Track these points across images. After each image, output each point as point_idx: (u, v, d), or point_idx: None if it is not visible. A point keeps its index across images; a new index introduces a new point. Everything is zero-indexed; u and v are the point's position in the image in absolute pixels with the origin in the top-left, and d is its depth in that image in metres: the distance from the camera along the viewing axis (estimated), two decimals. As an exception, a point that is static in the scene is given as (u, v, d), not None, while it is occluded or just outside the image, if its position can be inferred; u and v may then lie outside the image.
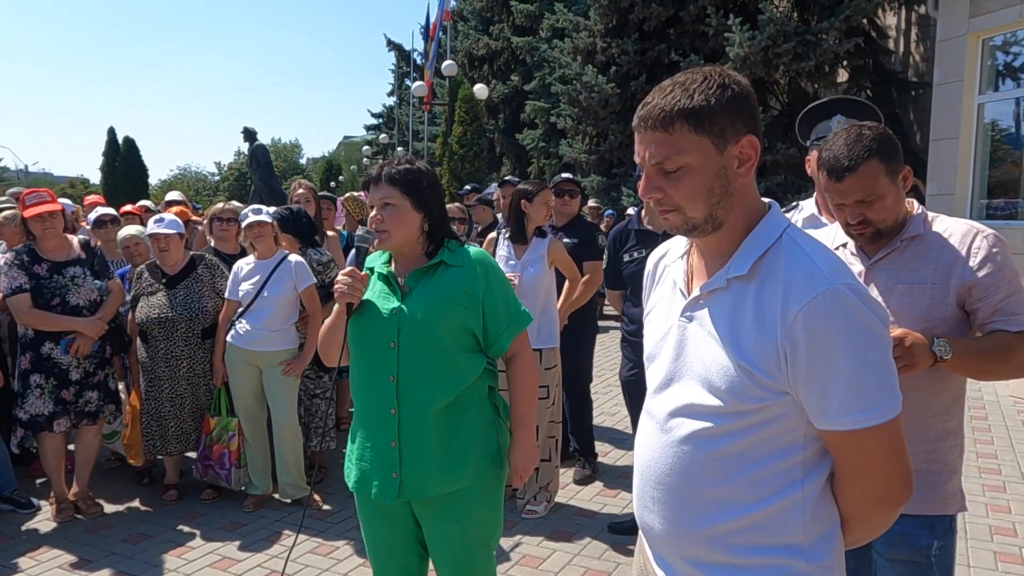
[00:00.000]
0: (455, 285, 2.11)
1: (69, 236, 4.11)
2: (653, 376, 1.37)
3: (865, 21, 11.25)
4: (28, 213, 3.88)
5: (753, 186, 1.29)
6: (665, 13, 10.86)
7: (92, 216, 5.22)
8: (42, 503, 4.28)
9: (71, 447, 4.36)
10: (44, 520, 4.10)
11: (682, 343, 1.31)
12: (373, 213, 2.16)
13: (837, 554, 1.27)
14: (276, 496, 4.38)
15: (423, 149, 23.37)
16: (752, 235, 1.26)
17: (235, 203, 5.16)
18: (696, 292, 1.30)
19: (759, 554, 1.23)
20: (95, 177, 33.34)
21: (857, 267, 1.92)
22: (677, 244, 1.44)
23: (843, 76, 11.59)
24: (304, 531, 3.96)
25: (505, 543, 3.78)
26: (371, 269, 2.24)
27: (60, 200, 6.54)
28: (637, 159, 1.27)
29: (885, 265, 1.89)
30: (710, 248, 1.31)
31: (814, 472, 1.23)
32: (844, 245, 1.98)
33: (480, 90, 17.93)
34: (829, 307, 1.14)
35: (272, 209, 4.49)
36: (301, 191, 4.85)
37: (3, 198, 5.42)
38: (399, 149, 28.57)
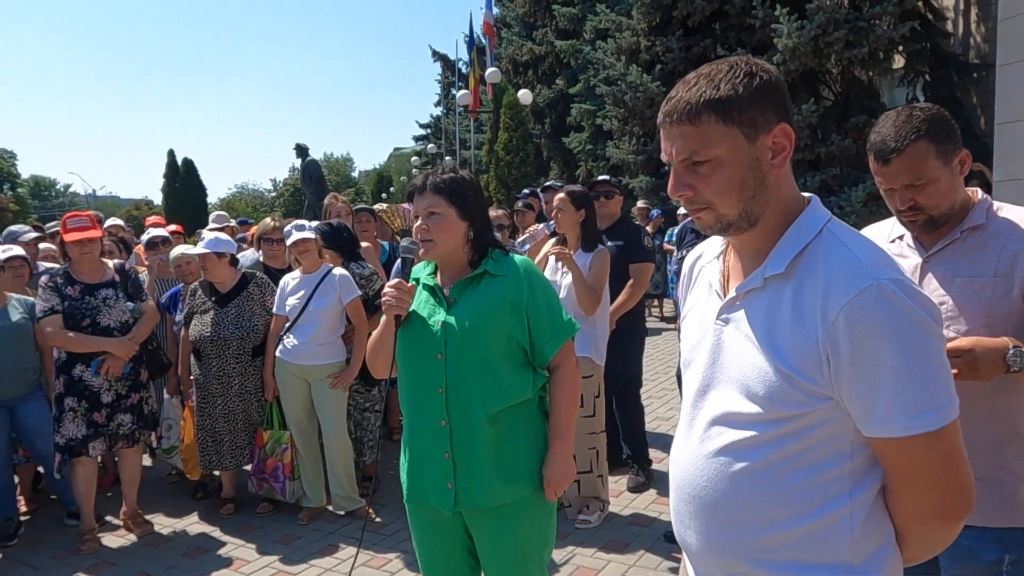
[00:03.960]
0: (500, 295, 2.09)
1: (104, 260, 4.19)
2: (689, 383, 1.30)
3: (921, 4, 10.82)
4: (68, 238, 3.97)
5: (790, 179, 1.21)
6: (709, 8, 10.64)
7: (144, 237, 5.37)
8: (108, 518, 4.40)
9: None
10: (108, 535, 4.21)
11: (718, 347, 1.23)
12: (419, 223, 2.15)
13: (893, 574, 1.17)
14: (330, 508, 4.41)
15: (470, 157, 23.49)
16: (790, 231, 1.18)
17: (277, 221, 5.23)
18: (732, 293, 1.23)
19: (805, 573, 1.15)
20: (159, 199, 34.57)
21: (913, 260, 1.81)
22: (713, 244, 1.37)
23: (899, 62, 11.17)
24: (356, 543, 3.97)
25: (557, 555, 3.72)
26: (416, 280, 2.23)
27: (114, 222, 6.77)
28: (664, 157, 1.20)
29: (943, 257, 1.77)
30: (746, 246, 1.24)
31: (863, 483, 1.14)
32: (900, 237, 1.87)
33: (524, 95, 17.91)
34: (873, 304, 1.05)
35: (315, 224, 4.54)
36: (339, 205, 4.89)
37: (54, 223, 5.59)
38: (447, 158, 28.81)
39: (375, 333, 2.24)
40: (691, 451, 1.26)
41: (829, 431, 1.13)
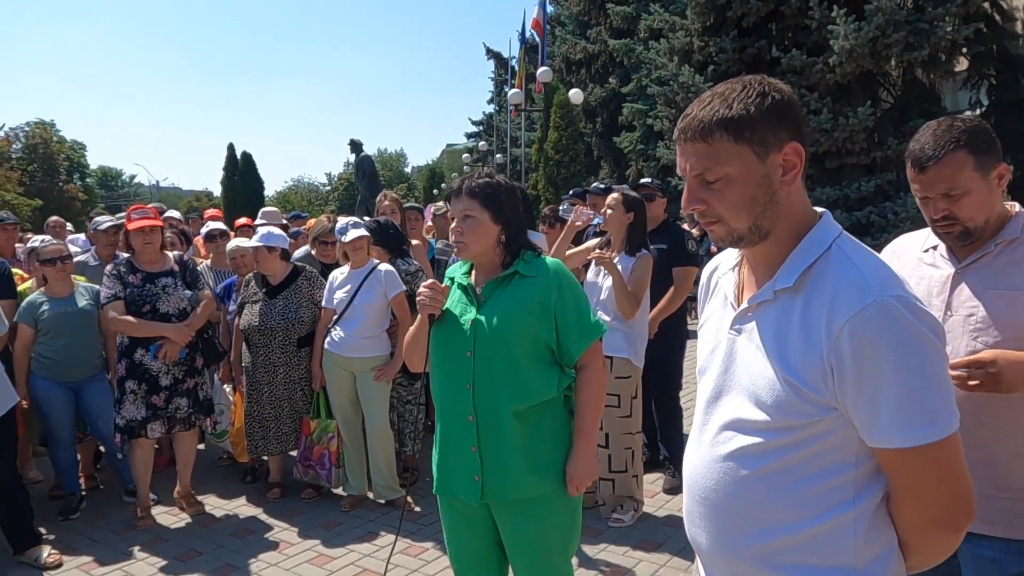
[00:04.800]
0: (529, 295, 2.17)
1: (166, 252, 4.40)
2: (703, 389, 1.36)
3: (987, 4, 10.46)
4: (131, 226, 4.19)
5: (801, 194, 1.26)
6: (765, 8, 10.46)
7: (204, 230, 5.59)
8: (163, 497, 4.62)
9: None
10: (162, 513, 4.43)
11: (731, 356, 1.29)
12: (453, 225, 2.26)
13: None
14: (371, 496, 4.55)
15: (520, 155, 23.57)
16: (800, 246, 1.23)
17: (331, 222, 5.37)
18: (744, 304, 1.28)
19: (809, 574, 1.20)
20: (218, 191, 35.59)
21: (946, 270, 1.82)
22: (729, 256, 1.42)
23: (963, 64, 10.83)
24: (395, 531, 4.09)
25: (590, 551, 3.78)
26: (451, 279, 2.33)
27: (171, 214, 7.04)
28: (679, 172, 1.26)
29: (976, 270, 1.78)
30: (759, 259, 1.29)
31: (867, 491, 1.19)
32: (934, 247, 1.88)
33: (575, 95, 17.90)
34: (876, 320, 1.10)
35: (364, 221, 4.68)
36: (387, 203, 5.03)
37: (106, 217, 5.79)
38: (497, 156, 28.92)
39: (411, 330, 2.36)
40: (702, 454, 1.32)
41: (834, 440, 1.17)
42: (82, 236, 6.37)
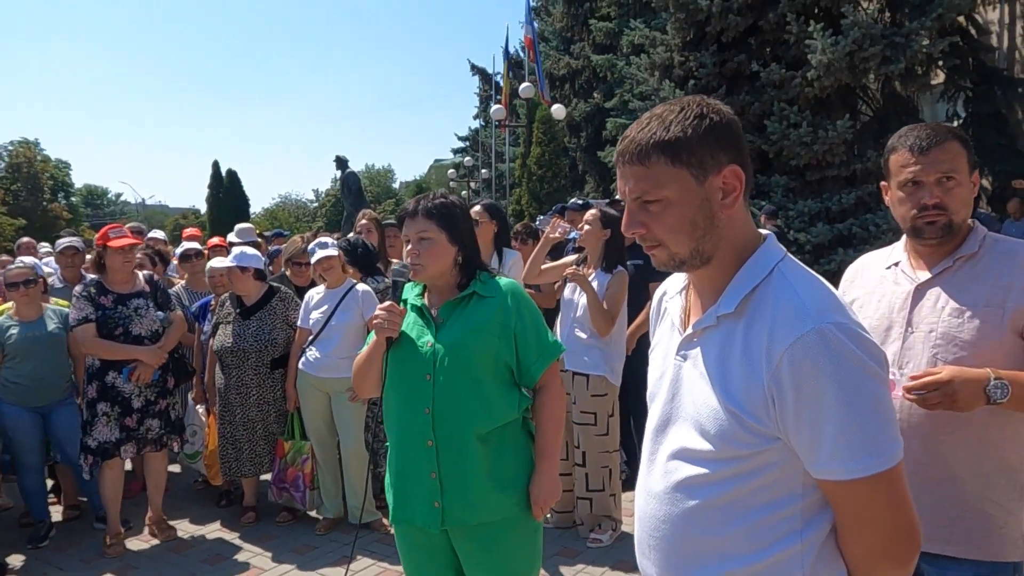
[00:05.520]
0: (488, 316, 2.14)
1: (136, 271, 4.34)
2: (651, 417, 1.33)
3: (963, 18, 10.60)
4: (115, 244, 4.11)
5: (744, 217, 1.23)
6: (744, 23, 10.55)
7: (178, 250, 5.53)
8: (135, 523, 4.53)
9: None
10: (134, 539, 4.34)
11: (677, 383, 1.26)
12: (409, 247, 2.21)
13: None
14: (348, 519, 4.48)
15: (505, 170, 23.62)
16: (742, 270, 1.20)
17: (305, 242, 5.31)
18: (690, 330, 1.26)
19: None
20: (205, 208, 35.43)
21: (906, 286, 1.81)
22: (677, 279, 1.40)
23: (940, 77, 10.95)
24: (371, 555, 4.03)
25: (567, 571, 3.73)
26: (405, 301, 2.28)
27: (155, 235, 6.98)
28: (619, 194, 1.24)
29: (936, 284, 1.77)
30: (703, 283, 1.27)
31: (815, 522, 1.15)
32: (896, 264, 1.88)
33: (557, 110, 17.97)
34: (815, 348, 1.07)
35: (332, 240, 4.65)
36: (364, 221, 4.99)
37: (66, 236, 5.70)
38: (483, 171, 28.98)
39: (363, 352, 2.28)
40: (651, 485, 1.28)
41: (779, 472, 1.14)
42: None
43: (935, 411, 1.65)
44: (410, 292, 2.31)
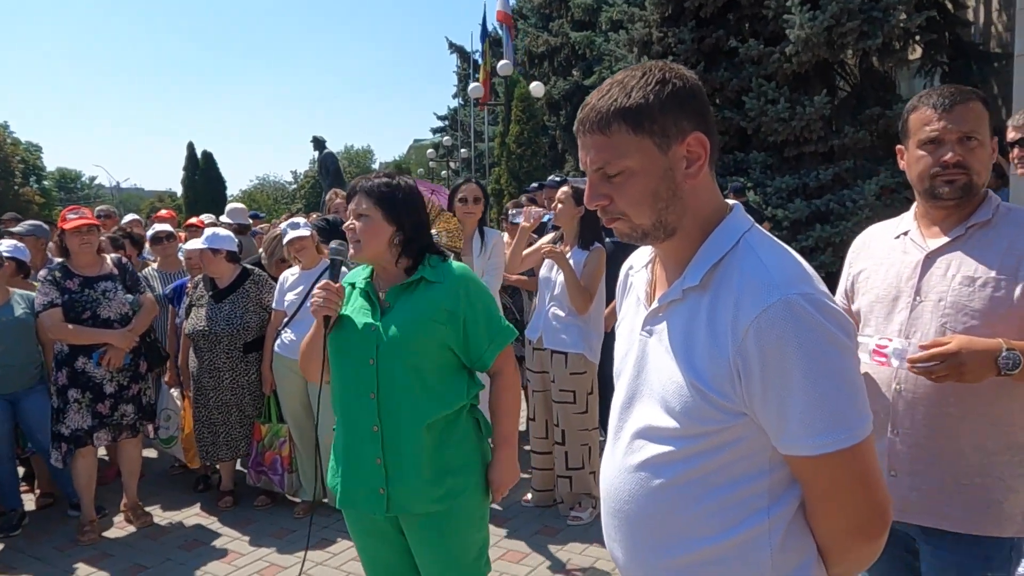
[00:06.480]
0: (434, 302, 2.09)
1: (103, 254, 4.24)
2: (617, 394, 1.29)
3: (940, -7, 10.61)
4: (67, 225, 4.01)
5: (709, 187, 1.19)
6: (722, -2, 10.53)
7: (149, 232, 5.43)
8: (110, 509, 4.47)
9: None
10: (111, 527, 4.28)
11: (642, 359, 1.22)
12: (347, 224, 2.19)
13: None
14: (325, 502, 4.45)
15: (485, 149, 23.47)
16: (708, 242, 1.16)
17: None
18: (655, 304, 1.22)
19: None
20: (181, 191, 34.93)
21: (915, 255, 1.77)
22: (643, 253, 1.36)
23: (917, 52, 10.97)
24: (349, 538, 3.99)
25: (548, 549, 3.73)
26: (352, 284, 2.23)
27: (131, 218, 6.85)
28: (581, 165, 1.19)
29: (946, 252, 1.73)
30: (669, 256, 1.23)
31: (782, 500, 1.13)
32: (905, 233, 1.84)
33: (536, 88, 17.82)
34: (781, 320, 1.03)
35: (307, 221, 4.57)
36: (338, 201, 4.92)
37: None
38: (462, 150, 28.77)
39: (307, 336, 2.24)
40: (615, 464, 1.25)
41: (746, 448, 1.11)
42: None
43: (942, 383, 1.62)
44: (358, 275, 2.25)
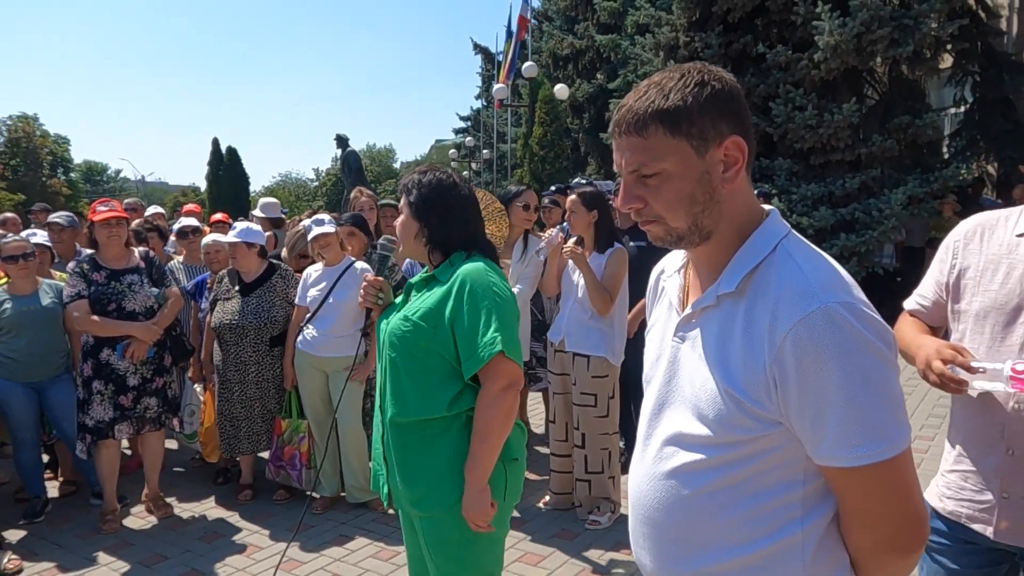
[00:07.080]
0: (429, 304, 2.07)
1: (131, 248, 4.28)
2: (647, 400, 1.28)
3: (972, 1, 10.46)
4: (97, 217, 4.06)
5: (746, 191, 1.17)
6: (750, 3, 10.40)
7: (176, 226, 5.47)
8: (132, 500, 4.51)
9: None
10: (130, 516, 4.32)
11: (674, 365, 1.21)
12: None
13: None
14: (344, 497, 4.46)
15: (507, 150, 23.47)
16: (744, 247, 1.14)
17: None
18: (688, 310, 1.20)
19: None
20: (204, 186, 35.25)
21: None
22: (675, 257, 1.34)
23: (947, 61, 10.83)
24: (368, 535, 4.02)
25: (565, 553, 3.71)
26: (396, 273, 2.32)
27: (155, 210, 6.92)
28: (615, 167, 1.18)
29: None
30: (703, 261, 1.21)
31: (816, 510, 1.11)
32: None
33: (560, 90, 17.80)
34: (820, 329, 1.01)
35: (330, 218, 4.61)
36: (363, 199, 4.94)
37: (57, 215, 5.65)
38: (484, 151, 28.79)
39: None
40: (645, 471, 1.23)
41: (780, 457, 1.09)
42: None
43: None
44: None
